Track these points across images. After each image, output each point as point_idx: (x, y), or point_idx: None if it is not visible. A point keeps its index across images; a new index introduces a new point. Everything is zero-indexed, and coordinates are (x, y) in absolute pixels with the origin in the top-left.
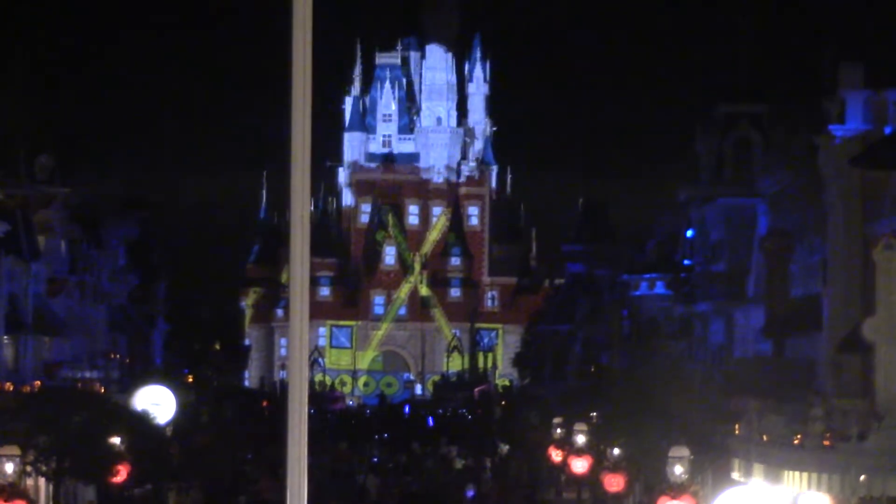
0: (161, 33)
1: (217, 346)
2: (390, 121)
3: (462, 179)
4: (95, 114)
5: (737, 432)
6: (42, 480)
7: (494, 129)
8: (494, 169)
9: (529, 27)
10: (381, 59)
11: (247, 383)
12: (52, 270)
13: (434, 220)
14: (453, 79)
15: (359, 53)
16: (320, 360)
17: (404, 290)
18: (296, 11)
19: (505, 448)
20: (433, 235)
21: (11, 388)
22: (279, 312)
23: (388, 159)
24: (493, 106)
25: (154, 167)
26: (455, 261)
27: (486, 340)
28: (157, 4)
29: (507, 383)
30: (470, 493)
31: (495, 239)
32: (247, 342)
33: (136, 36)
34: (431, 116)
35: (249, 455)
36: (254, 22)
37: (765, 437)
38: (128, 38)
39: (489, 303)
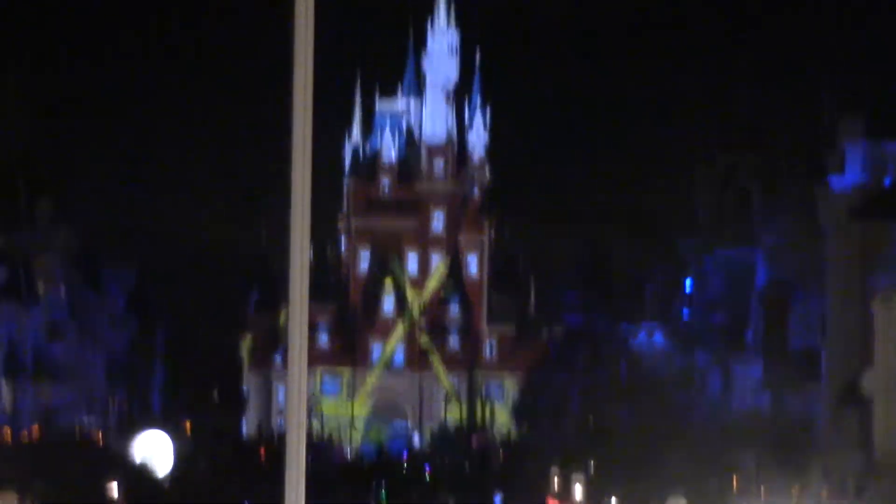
0: (163, 85)
1: (215, 394)
2: (390, 169)
3: (461, 228)
4: (95, 154)
5: (734, 485)
6: None
7: (493, 177)
8: (494, 217)
9: (530, 79)
10: (382, 105)
11: (244, 431)
12: (52, 315)
13: (433, 268)
14: (453, 127)
15: (358, 100)
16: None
17: (401, 338)
18: (297, 58)
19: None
20: (432, 284)
21: (9, 433)
22: (277, 359)
23: (388, 206)
24: (493, 155)
25: (154, 212)
26: (454, 309)
27: (484, 389)
28: (159, 53)
29: (505, 432)
30: None
31: (494, 288)
32: (245, 389)
33: (137, 88)
34: (431, 164)
35: (246, 502)
36: (254, 70)
37: (762, 490)
38: (129, 87)
39: (488, 351)
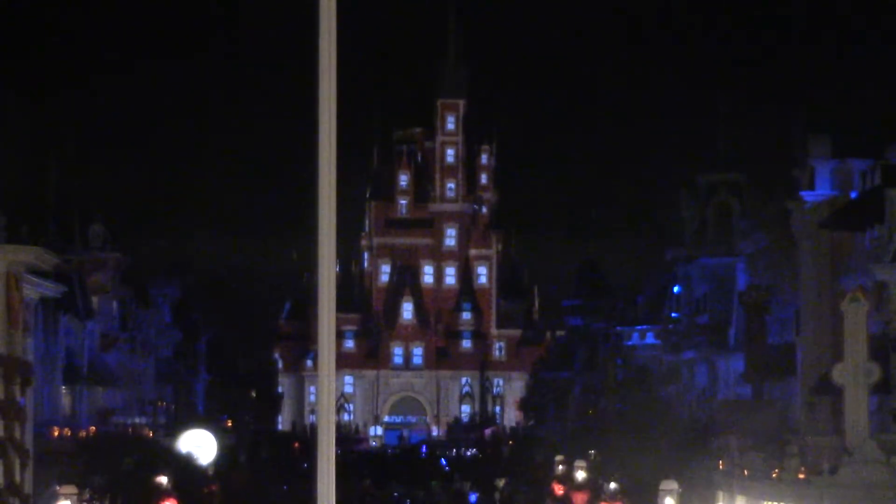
0: (203, 123)
1: (253, 394)
2: (407, 192)
3: (472, 243)
4: (142, 183)
5: (720, 468)
6: None
7: (500, 197)
8: (500, 233)
9: (531, 111)
10: (398, 135)
11: (280, 427)
12: (105, 327)
13: (447, 279)
14: (463, 153)
15: (377, 130)
16: (346, 405)
17: (421, 342)
18: (322, 94)
19: (501, 483)
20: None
21: (69, 434)
22: (308, 363)
23: (406, 225)
24: (500, 178)
25: (196, 233)
26: (466, 315)
27: (494, 386)
28: (199, 99)
29: (513, 425)
30: None
31: (502, 295)
32: (279, 390)
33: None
34: (444, 188)
35: (285, 487)
36: (284, 109)
37: (746, 472)
38: (170, 125)
39: (497, 353)
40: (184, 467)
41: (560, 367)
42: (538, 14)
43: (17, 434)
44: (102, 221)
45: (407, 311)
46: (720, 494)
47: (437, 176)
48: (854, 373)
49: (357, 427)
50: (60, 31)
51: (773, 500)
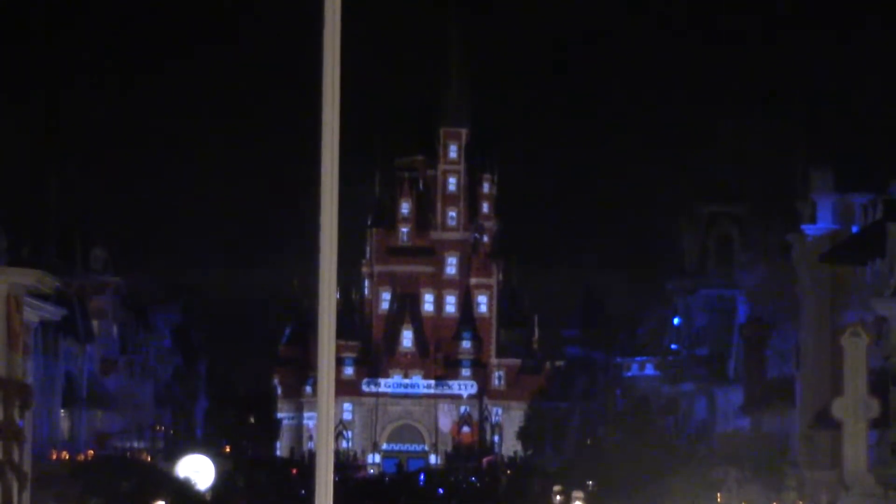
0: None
1: (252, 420)
2: (408, 220)
3: (472, 271)
4: (144, 208)
5: (719, 499)
6: None
7: (501, 226)
8: (501, 262)
9: (534, 142)
10: (400, 163)
11: (278, 453)
12: (105, 351)
13: (447, 307)
14: (465, 182)
15: (379, 159)
16: (345, 432)
17: (420, 370)
18: (325, 122)
19: None
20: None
21: (67, 457)
22: (308, 389)
23: (407, 253)
24: (501, 207)
25: (196, 257)
26: (466, 344)
27: (493, 415)
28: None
29: (512, 454)
30: None
31: (502, 324)
32: (278, 416)
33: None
34: (446, 216)
35: None
36: (286, 137)
37: None
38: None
39: (496, 382)
40: (181, 492)
41: (559, 396)
42: (542, 44)
43: (16, 456)
44: (104, 245)
45: (407, 338)
46: None
47: (439, 204)
48: (853, 407)
49: (355, 454)
50: (61, 55)
51: None
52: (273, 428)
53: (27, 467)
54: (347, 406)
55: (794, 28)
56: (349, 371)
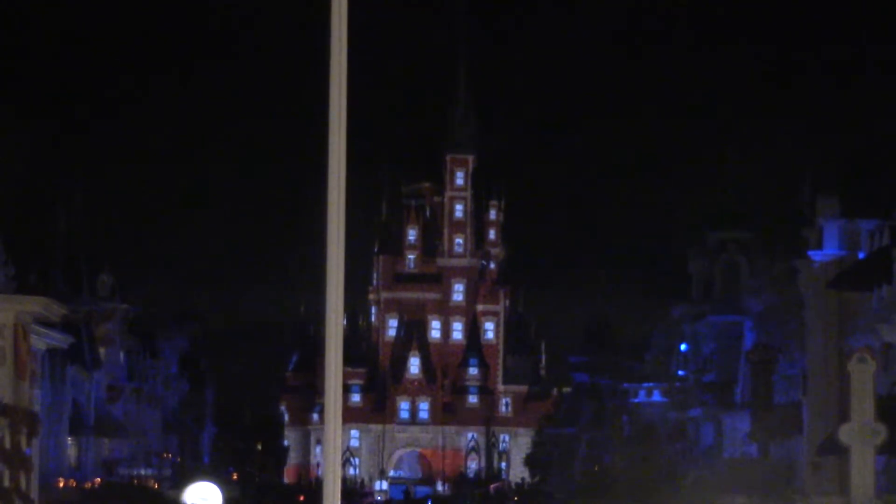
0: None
1: (259, 447)
2: (415, 246)
3: (479, 298)
4: (150, 234)
5: None
6: None
7: (507, 253)
8: (508, 289)
9: (540, 167)
10: (407, 189)
11: (285, 480)
12: (112, 378)
13: (454, 334)
14: (472, 208)
15: (386, 185)
16: (352, 459)
17: (427, 397)
18: (331, 149)
19: None
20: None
21: (74, 484)
22: (315, 416)
23: (414, 280)
24: (508, 233)
25: (205, 284)
26: (473, 371)
27: (500, 442)
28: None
29: (519, 481)
30: None
31: (509, 351)
32: (285, 443)
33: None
34: (453, 243)
35: None
36: (292, 164)
37: None
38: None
39: (503, 408)
40: None
41: (566, 423)
42: (548, 70)
43: (23, 484)
44: (110, 271)
45: (414, 365)
46: None
47: (446, 231)
48: (860, 433)
49: (363, 481)
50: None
51: None
52: (280, 455)
53: (34, 495)
54: (355, 433)
55: (802, 51)
56: (356, 398)
